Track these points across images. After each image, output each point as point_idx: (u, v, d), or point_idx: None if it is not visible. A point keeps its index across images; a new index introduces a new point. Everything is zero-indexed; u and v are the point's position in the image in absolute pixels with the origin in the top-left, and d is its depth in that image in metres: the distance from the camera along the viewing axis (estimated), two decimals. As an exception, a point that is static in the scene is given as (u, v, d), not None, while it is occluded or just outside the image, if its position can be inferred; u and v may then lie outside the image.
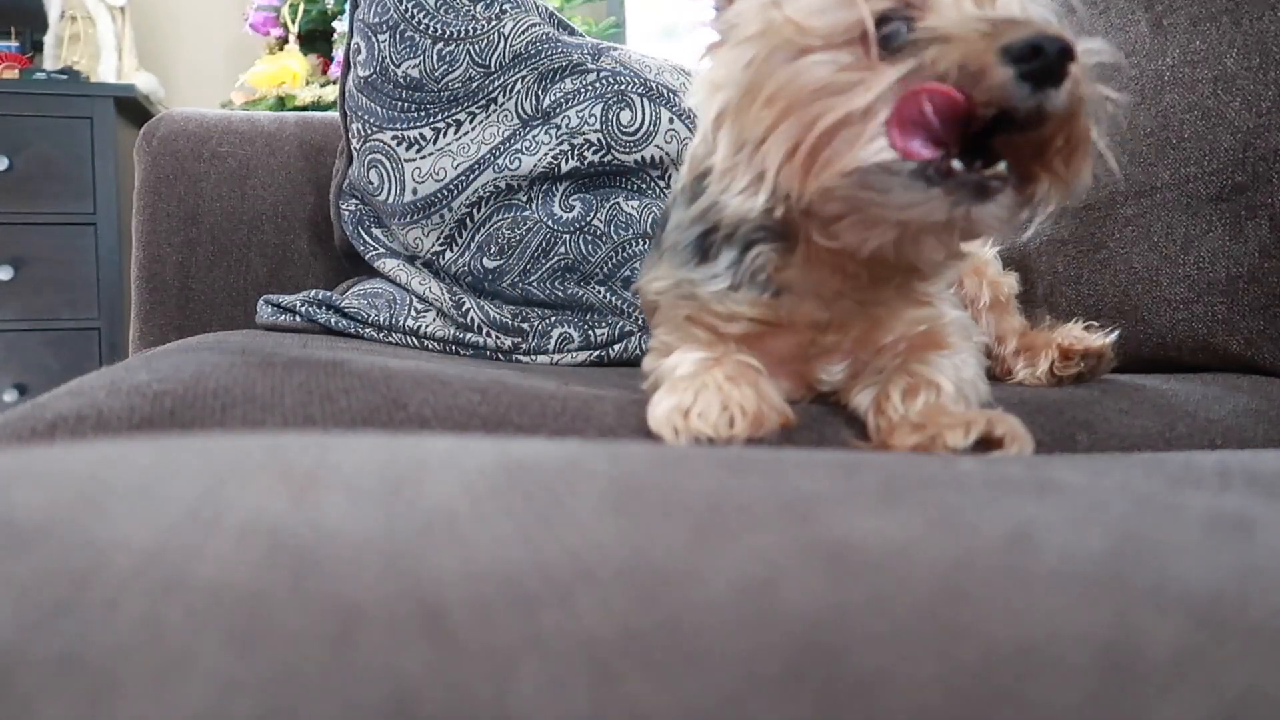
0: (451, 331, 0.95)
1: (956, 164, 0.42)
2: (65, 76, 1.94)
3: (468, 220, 0.96)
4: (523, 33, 0.99)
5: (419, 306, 0.97)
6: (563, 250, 0.96)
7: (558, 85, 0.98)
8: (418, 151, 0.96)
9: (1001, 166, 0.43)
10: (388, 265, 1.00)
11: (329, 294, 0.99)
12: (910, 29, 0.43)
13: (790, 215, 0.48)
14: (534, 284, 0.97)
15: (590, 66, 0.99)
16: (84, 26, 2.12)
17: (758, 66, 0.46)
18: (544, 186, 0.97)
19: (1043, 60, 0.40)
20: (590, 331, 0.96)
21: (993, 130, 0.43)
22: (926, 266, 0.51)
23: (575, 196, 0.98)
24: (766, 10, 0.46)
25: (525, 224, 0.96)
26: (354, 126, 1.00)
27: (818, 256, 0.51)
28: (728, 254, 0.53)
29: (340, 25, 1.91)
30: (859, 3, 0.43)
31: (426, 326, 0.96)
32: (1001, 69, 0.40)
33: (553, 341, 0.96)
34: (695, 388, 0.47)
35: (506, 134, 0.96)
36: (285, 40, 2.02)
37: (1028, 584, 0.19)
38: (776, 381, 0.53)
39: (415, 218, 0.97)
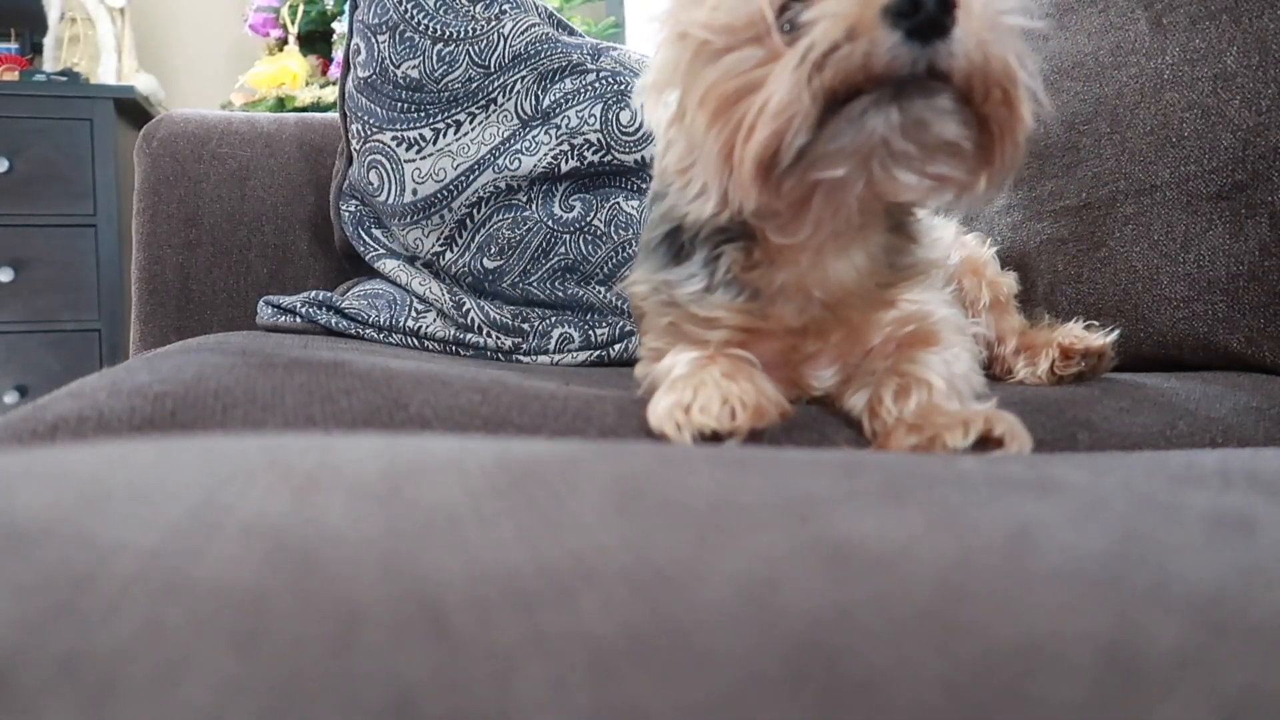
0: (452, 332, 0.95)
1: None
2: (65, 78, 1.94)
3: (468, 221, 0.96)
4: (522, 33, 0.99)
5: (419, 307, 0.97)
6: (563, 250, 0.96)
7: (557, 85, 0.98)
8: (417, 152, 0.96)
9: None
10: (388, 266, 1.00)
11: (329, 295, 0.99)
12: (807, 8, 0.42)
13: (741, 217, 0.48)
14: (534, 284, 0.97)
15: (590, 66, 0.99)
16: (84, 28, 2.12)
17: (684, 70, 0.46)
18: (544, 187, 0.97)
19: (925, 13, 0.39)
20: (591, 331, 0.96)
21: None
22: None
23: (575, 196, 0.98)
24: (684, 10, 0.46)
25: (525, 224, 0.96)
26: (354, 127, 1.00)
27: (780, 255, 0.51)
28: (700, 254, 0.53)
29: (340, 26, 1.91)
30: None
31: (427, 327, 0.96)
32: (886, 31, 0.40)
33: (553, 342, 0.96)
34: (694, 384, 0.47)
35: (506, 134, 0.96)
36: (285, 41, 2.02)
37: (1028, 583, 0.19)
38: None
39: (415, 218, 0.97)
